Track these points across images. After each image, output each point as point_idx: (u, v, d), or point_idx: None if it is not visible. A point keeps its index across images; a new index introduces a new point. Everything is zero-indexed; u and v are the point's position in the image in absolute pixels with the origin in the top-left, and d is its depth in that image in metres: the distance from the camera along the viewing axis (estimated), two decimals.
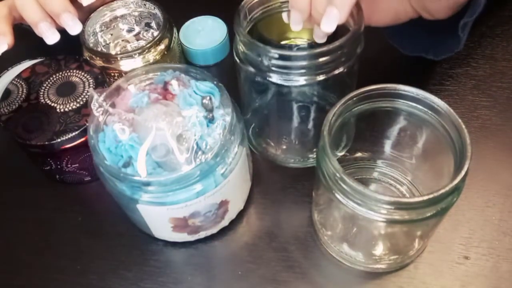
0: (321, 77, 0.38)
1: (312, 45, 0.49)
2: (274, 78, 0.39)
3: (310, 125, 0.45)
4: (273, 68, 0.38)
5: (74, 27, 0.45)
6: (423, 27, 0.45)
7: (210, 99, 0.39)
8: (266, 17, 0.43)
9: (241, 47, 0.40)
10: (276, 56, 0.37)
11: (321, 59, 0.37)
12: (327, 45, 0.37)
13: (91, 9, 0.52)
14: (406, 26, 0.45)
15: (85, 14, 0.51)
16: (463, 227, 0.43)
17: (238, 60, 0.41)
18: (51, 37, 0.45)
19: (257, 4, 0.42)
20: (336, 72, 0.38)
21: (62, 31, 0.46)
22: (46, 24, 0.45)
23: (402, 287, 0.41)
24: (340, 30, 0.38)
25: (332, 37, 0.42)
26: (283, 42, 0.46)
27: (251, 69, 0.40)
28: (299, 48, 0.50)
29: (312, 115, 0.43)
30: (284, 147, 0.47)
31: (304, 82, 0.39)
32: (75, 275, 0.44)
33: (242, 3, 0.41)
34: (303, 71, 0.38)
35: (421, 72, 0.54)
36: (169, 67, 0.42)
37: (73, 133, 0.44)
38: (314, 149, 0.46)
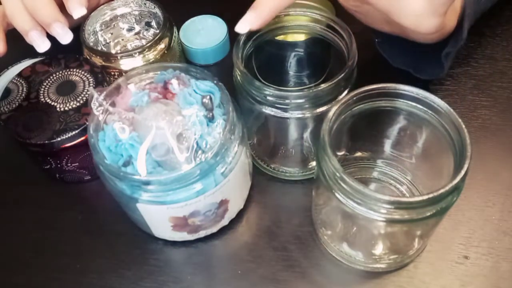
0: (317, 110, 0.40)
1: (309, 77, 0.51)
2: (269, 110, 0.40)
3: (307, 141, 0.46)
4: (269, 103, 0.39)
5: (64, 36, 0.45)
6: (413, 43, 0.45)
7: (210, 98, 0.39)
8: (263, 41, 0.44)
9: (238, 76, 0.41)
10: (271, 94, 0.38)
11: (317, 97, 0.39)
12: (323, 85, 0.38)
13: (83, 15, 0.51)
14: (396, 38, 0.45)
15: (77, 19, 0.50)
16: (463, 227, 0.43)
17: (235, 85, 0.42)
18: (42, 46, 0.44)
19: (254, 31, 0.42)
20: (332, 103, 0.40)
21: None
22: (36, 33, 0.44)
23: (402, 286, 0.41)
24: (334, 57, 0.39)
25: (323, 64, 0.44)
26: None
27: (248, 98, 0.40)
28: (296, 84, 0.52)
29: (308, 132, 0.44)
30: (280, 159, 0.48)
31: (300, 116, 0.40)
32: (75, 274, 0.44)
33: (239, 36, 0.42)
34: (299, 106, 0.39)
35: None
36: (169, 66, 0.42)
37: (73, 132, 0.44)
38: (311, 163, 0.47)
